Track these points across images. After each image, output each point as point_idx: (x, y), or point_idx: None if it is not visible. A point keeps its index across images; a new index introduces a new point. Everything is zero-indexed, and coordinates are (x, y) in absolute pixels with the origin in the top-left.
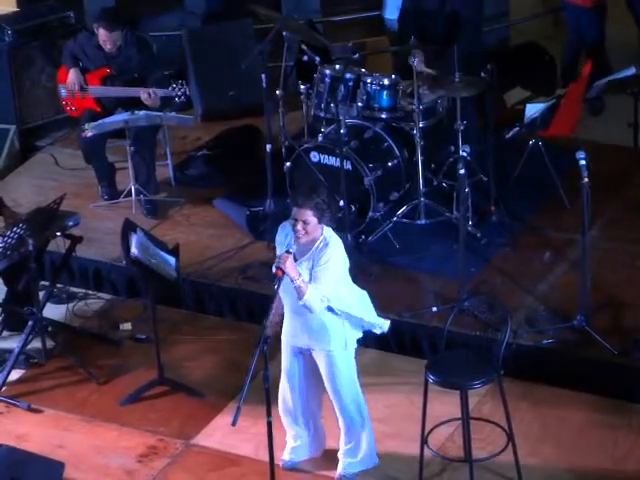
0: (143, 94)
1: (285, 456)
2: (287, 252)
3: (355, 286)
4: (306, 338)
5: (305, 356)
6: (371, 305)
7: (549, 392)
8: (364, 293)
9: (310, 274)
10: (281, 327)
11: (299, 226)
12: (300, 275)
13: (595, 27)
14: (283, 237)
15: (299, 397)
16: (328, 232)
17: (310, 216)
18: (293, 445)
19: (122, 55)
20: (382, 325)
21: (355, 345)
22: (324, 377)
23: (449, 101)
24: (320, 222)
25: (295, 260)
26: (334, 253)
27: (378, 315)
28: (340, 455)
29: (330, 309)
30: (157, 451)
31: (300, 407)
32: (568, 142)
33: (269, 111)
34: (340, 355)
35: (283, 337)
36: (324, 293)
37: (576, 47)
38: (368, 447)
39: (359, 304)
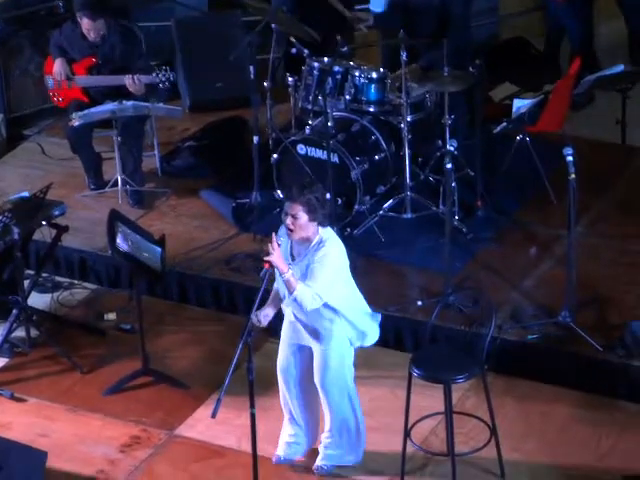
0: (128, 80)
1: (279, 452)
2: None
3: (356, 290)
4: (305, 335)
5: (304, 353)
6: (367, 312)
7: (533, 387)
8: (360, 298)
9: (305, 272)
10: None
11: (288, 220)
12: (289, 269)
13: (574, 21)
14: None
15: (297, 396)
16: (327, 232)
17: (300, 211)
18: (287, 441)
19: (106, 44)
20: (372, 335)
21: (354, 345)
22: (314, 370)
23: (437, 95)
24: (312, 220)
25: (293, 259)
26: (331, 251)
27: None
28: (320, 447)
29: (328, 306)
30: (140, 441)
31: (299, 406)
32: (556, 138)
33: (257, 103)
34: (334, 353)
35: (282, 334)
36: (317, 291)
37: (553, 41)
38: (357, 445)
39: (354, 307)
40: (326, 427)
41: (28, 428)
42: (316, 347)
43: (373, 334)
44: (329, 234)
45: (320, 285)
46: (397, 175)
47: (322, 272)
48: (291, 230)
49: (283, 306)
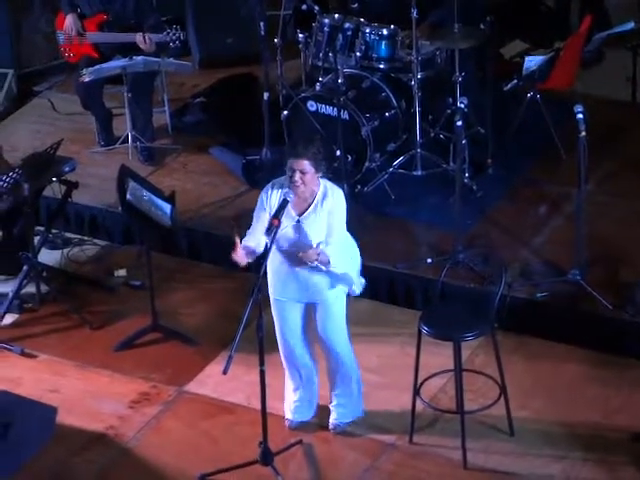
0: (138, 38)
1: (288, 415)
2: (285, 200)
3: (349, 238)
4: (303, 291)
5: (301, 309)
6: (357, 260)
7: (542, 345)
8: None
9: (327, 222)
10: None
11: (297, 176)
12: (329, 262)
13: None
14: (271, 197)
15: (297, 353)
16: (326, 182)
17: (307, 166)
18: (294, 406)
19: (118, 1)
20: (358, 285)
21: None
22: (318, 324)
23: (447, 52)
24: (317, 172)
25: (300, 215)
26: (339, 200)
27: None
28: (332, 405)
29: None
30: (149, 397)
31: (299, 365)
32: (566, 95)
33: (267, 59)
34: (334, 303)
35: (275, 293)
36: (338, 245)
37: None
38: (357, 397)
39: (348, 256)
40: (335, 385)
41: (38, 384)
42: (319, 300)
43: (359, 284)
44: (329, 183)
45: (340, 236)
46: (407, 132)
47: (340, 222)
48: (298, 186)
49: (275, 262)
